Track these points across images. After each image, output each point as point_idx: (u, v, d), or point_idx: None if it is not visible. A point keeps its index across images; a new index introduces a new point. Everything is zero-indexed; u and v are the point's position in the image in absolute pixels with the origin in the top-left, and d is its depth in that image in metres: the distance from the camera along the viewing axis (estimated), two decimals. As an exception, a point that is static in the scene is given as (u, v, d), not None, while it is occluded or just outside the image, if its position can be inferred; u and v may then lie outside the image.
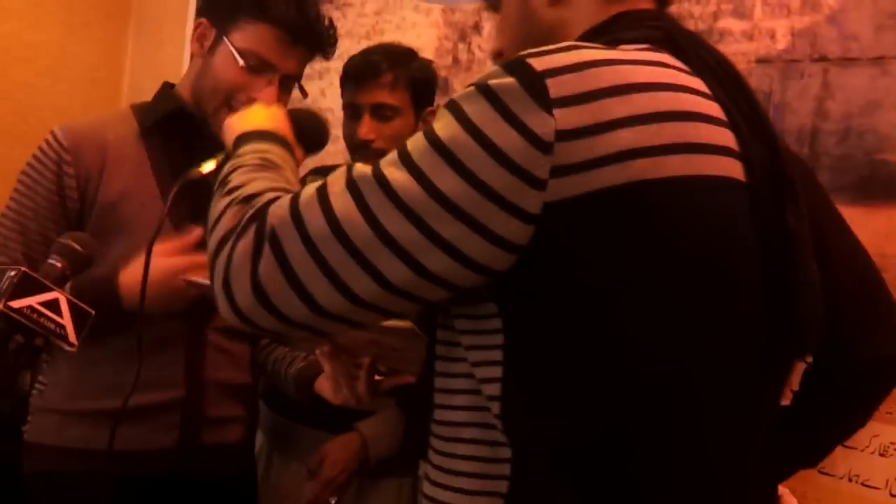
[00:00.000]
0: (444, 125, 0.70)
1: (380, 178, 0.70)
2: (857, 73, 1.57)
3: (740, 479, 0.79)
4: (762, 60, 1.69)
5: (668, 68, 0.75)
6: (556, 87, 0.68)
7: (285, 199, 0.74)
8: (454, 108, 0.70)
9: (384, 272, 0.69)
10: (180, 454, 1.33)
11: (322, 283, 0.70)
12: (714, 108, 0.75)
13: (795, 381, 0.97)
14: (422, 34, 2.25)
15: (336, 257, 0.70)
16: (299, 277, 0.71)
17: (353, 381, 1.11)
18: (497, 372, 0.74)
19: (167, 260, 1.19)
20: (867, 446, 1.51)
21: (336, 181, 0.73)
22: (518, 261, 0.69)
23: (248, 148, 0.90)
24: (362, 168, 0.73)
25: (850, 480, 1.52)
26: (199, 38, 1.35)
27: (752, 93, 0.80)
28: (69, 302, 1.04)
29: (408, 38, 2.20)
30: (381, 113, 1.66)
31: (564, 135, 0.67)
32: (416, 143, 0.71)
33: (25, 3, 2.73)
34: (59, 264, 1.09)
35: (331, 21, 1.38)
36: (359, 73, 1.68)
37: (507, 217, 0.67)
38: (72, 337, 1.04)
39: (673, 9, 0.92)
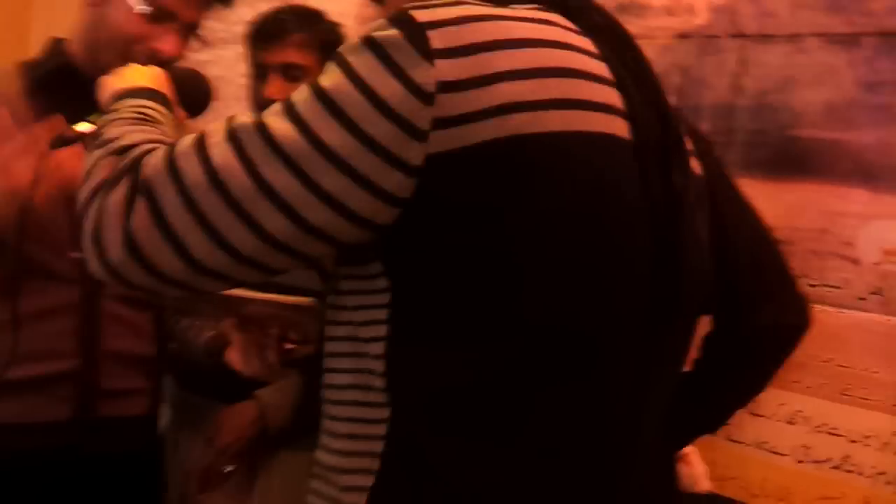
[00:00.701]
0: (328, 76, 0.69)
1: (261, 129, 0.68)
2: (774, 49, 1.60)
3: (632, 435, 0.78)
4: (682, 35, 1.70)
5: (554, 26, 0.75)
6: (437, 39, 0.67)
7: (161, 150, 0.71)
8: (339, 59, 0.69)
9: (264, 224, 0.67)
10: (74, 427, 1.28)
11: (199, 236, 0.67)
12: (601, 68, 0.75)
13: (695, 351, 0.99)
14: (343, 0, 2.20)
15: (214, 209, 0.67)
16: (174, 230, 0.68)
17: (264, 350, 1.10)
18: (382, 331, 0.73)
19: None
20: (774, 413, 1.55)
21: (216, 132, 0.70)
22: (401, 215, 0.68)
23: (124, 103, 0.86)
24: (243, 118, 0.70)
25: (759, 447, 1.56)
26: None
27: (643, 54, 0.80)
28: None
29: (329, 4, 2.14)
30: (290, 73, 1.63)
31: (445, 86, 0.66)
32: (300, 94, 0.69)
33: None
34: None
35: None
36: (267, 33, 1.66)
37: (389, 169, 0.66)
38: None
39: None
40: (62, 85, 1.28)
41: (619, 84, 0.75)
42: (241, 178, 0.67)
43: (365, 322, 0.74)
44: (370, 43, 0.68)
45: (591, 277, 0.72)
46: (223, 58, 2.24)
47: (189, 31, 1.30)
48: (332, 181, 0.66)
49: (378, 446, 0.73)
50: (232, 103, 2.38)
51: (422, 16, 0.69)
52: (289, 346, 1.14)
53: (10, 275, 1.11)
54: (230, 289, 0.75)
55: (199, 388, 1.63)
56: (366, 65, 0.67)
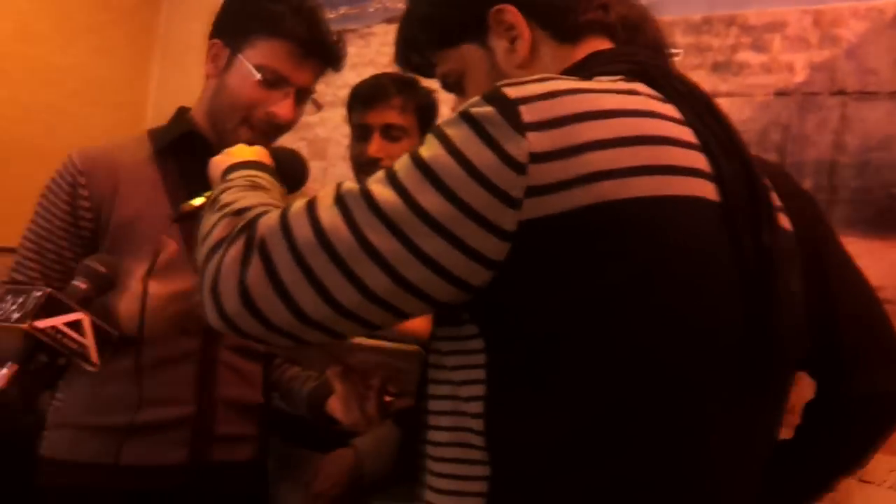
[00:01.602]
0: (428, 147, 0.74)
1: (366, 194, 0.74)
2: (876, 106, 1.58)
3: (726, 490, 0.79)
4: (780, 93, 1.69)
5: (638, 96, 0.78)
6: (528, 113, 0.71)
7: (275, 212, 0.77)
8: (438, 132, 0.75)
9: (366, 281, 0.72)
10: (190, 470, 1.34)
11: (307, 291, 0.73)
12: (686, 133, 0.78)
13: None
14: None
15: (321, 266, 0.72)
16: (285, 285, 0.73)
17: (364, 401, 1.12)
18: (479, 390, 0.76)
19: (162, 287, 1.20)
20: (884, 480, 1.49)
21: (325, 196, 0.76)
22: (496, 278, 0.72)
23: (236, 174, 0.94)
24: (350, 185, 0.76)
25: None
26: (213, 58, 1.38)
27: (725, 117, 0.83)
28: (93, 323, 1.05)
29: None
30: (390, 133, 1.74)
31: (537, 157, 0.70)
32: (401, 163, 0.75)
33: (54, 26, 2.78)
34: (83, 285, 1.10)
35: (339, 35, 1.42)
36: (370, 95, 1.76)
37: (483, 233, 0.71)
38: (94, 357, 1.06)
39: (690, 41, 0.94)
40: (187, 150, 1.38)
41: (704, 148, 0.78)
42: (346, 238, 0.72)
43: (463, 381, 0.78)
44: (467, 118, 0.73)
45: (685, 336, 0.74)
46: (328, 120, 2.34)
47: (303, 95, 1.38)
48: (430, 244, 0.71)
49: (478, 503, 0.76)
50: (336, 161, 2.48)
51: (513, 92, 0.73)
52: (388, 398, 1.17)
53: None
54: (332, 340, 0.79)
55: (299, 438, 1.68)
56: (463, 137, 0.72)
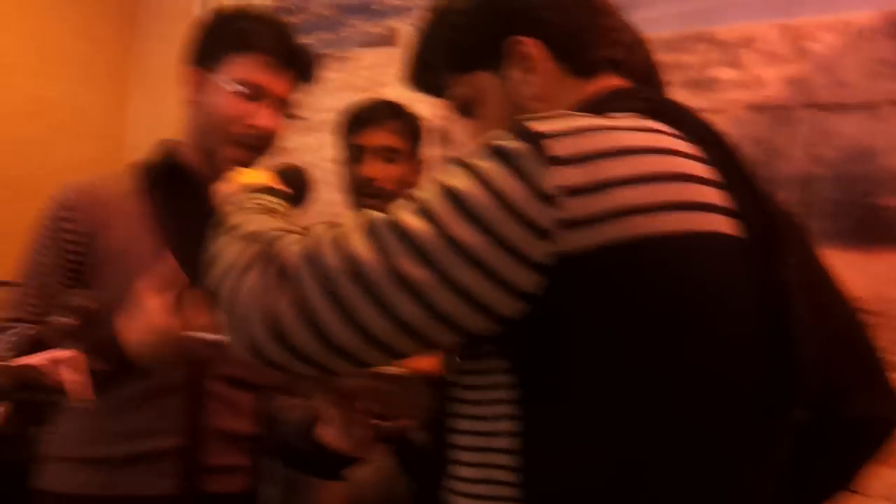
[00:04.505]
0: (455, 177, 0.74)
1: (395, 223, 0.74)
2: (849, 118, 1.60)
3: None
4: (753, 107, 1.72)
5: (657, 133, 0.79)
6: (556, 148, 0.72)
7: (296, 238, 0.77)
8: (465, 164, 0.75)
9: (398, 311, 0.72)
10: (181, 501, 1.33)
11: (337, 320, 0.73)
12: (703, 169, 0.79)
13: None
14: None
15: (352, 295, 0.72)
16: (315, 313, 0.73)
17: (353, 426, 1.12)
18: (508, 426, 0.76)
19: (165, 316, 1.19)
20: (876, 491, 1.50)
21: (350, 225, 0.76)
22: (532, 312, 0.72)
23: (243, 197, 0.94)
24: (376, 214, 0.76)
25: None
26: (189, 84, 1.40)
27: (738, 154, 0.84)
28: (84, 359, 1.05)
29: (407, 90, 2.23)
30: (386, 155, 1.76)
31: (567, 190, 0.71)
32: (429, 193, 0.75)
33: (34, 58, 2.76)
34: (69, 321, 1.10)
35: (310, 49, 1.46)
36: (366, 117, 1.79)
37: (515, 264, 0.71)
38: (86, 393, 1.05)
39: (663, 58, 0.96)
40: (174, 184, 1.39)
41: (723, 184, 0.79)
42: (378, 268, 0.72)
43: (490, 416, 0.77)
44: (496, 150, 0.74)
45: (715, 376, 0.75)
46: (310, 145, 2.35)
47: (282, 106, 1.40)
48: (462, 274, 0.71)
49: None
50: (319, 186, 2.48)
51: (540, 127, 0.74)
52: (377, 421, 1.17)
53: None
54: (359, 369, 0.79)
55: (295, 464, 1.67)
56: (493, 170, 0.73)
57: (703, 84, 1.78)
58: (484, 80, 0.93)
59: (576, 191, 0.71)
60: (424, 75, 1.00)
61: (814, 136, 1.64)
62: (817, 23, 1.66)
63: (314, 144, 2.29)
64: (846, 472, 1.00)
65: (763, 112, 1.70)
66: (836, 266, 1.00)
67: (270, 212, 0.90)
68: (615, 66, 0.92)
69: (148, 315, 1.16)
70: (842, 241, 1.55)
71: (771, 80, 1.71)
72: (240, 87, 1.35)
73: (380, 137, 1.76)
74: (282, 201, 0.96)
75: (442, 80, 0.96)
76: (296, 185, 1.17)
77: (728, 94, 1.75)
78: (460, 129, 0.91)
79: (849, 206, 1.58)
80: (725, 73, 1.77)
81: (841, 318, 0.95)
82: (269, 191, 0.97)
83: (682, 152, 0.79)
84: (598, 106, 0.84)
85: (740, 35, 1.77)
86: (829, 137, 1.62)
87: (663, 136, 0.79)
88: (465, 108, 0.96)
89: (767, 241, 0.79)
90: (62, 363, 1.01)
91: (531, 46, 0.89)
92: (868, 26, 1.60)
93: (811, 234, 0.97)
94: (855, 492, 1.31)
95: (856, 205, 1.57)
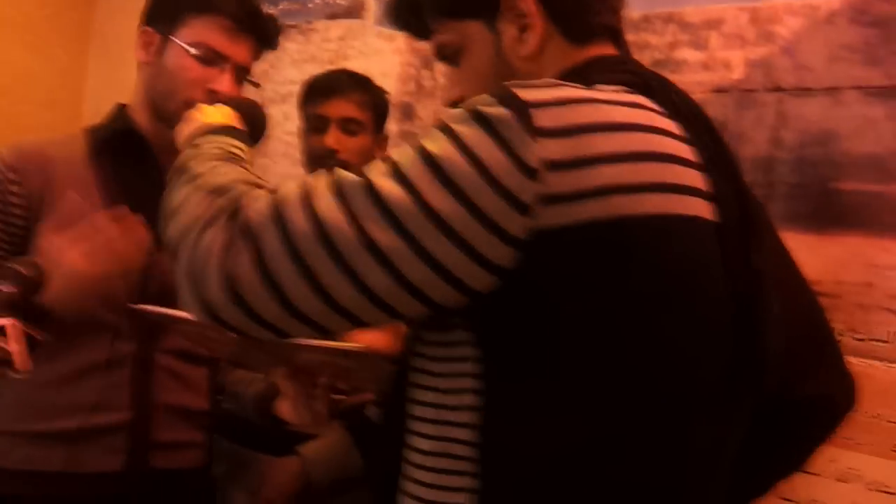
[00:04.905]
0: (435, 143, 0.71)
1: (368, 186, 0.71)
2: (811, 102, 1.61)
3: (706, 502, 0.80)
4: (718, 90, 1.72)
5: (644, 110, 0.77)
6: (542, 118, 0.70)
7: (262, 195, 0.74)
8: (446, 129, 0.72)
9: (365, 278, 0.69)
10: (129, 478, 1.31)
11: (299, 283, 0.70)
12: (686, 150, 0.77)
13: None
14: (386, 60, 2.26)
15: (317, 258, 0.69)
16: (276, 275, 0.70)
17: (312, 401, 1.11)
18: (469, 399, 0.74)
19: (91, 266, 1.17)
20: (825, 471, 1.51)
21: (319, 184, 0.73)
22: (499, 285, 0.71)
23: (206, 139, 0.90)
24: (347, 174, 0.73)
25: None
26: (145, 46, 1.36)
27: (719, 133, 0.83)
28: (21, 329, 1.02)
29: (372, 64, 2.21)
30: (348, 126, 1.72)
31: (550, 164, 0.69)
32: (406, 157, 0.72)
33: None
34: (9, 290, 1.07)
35: (271, 15, 1.43)
36: (328, 87, 1.75)
37: (490, 237, 0.69)
38: (23, 364, 1.02)
39: (630, 38, 0.94)
40: (125, 149, 1.35)
41: (702, 166, 0.78)
42: (347, 232, 0.69)
43: (450, 389, 0.76)
44: (479, 117, 0.71)
45: (680, 358, 0.75)
46: (274, 117, 2.31)
47: (241, 73, 1.36)
48: (436, 244, 0.68)
49: None
50: (278, 159, 2.45)
51: (526, 95, 0.71)
52: (337, 396, 1.16)
53: (67, 331, 1.15)
54: (318, 337, 0.77)
55: (246, 440, 1.65)
56: (475, 137, 0.70)
57: (669, 65, 1.77)
58: (474, 30, 0.89)
59: (559, 165, 0.69)
60: (410, 13, 0.95)
61: (777, 119, 1.64)
62: (783, 6, 1.67)
63: (278, 117, 2.25)
64: (799, 452, 1.01)
65: (727, 95, 1.71)
66: (794, 248, 1.01)
67: (232, 158, 0.87)
68: (612, 35, 0.90)
69: (66, 262, 1.13)
70: (799, 224, 1.56)
71: (736, 62, 1.71)
72: (198, 51, 1.31)
73: (343, 108, 1.72)
74: (242, 144, 0.92)
75: (428, 21, 0.92)
76: (252, 122, 1.15)
77: (693, 76, 1.75)
78: (425, 105, 0.88)
79: (808, 189, 1.59)
80: (691, 55, 1.77)
81: (801, 303, 0.96)
82: (229, 131, 0.94)
83: (666, 131, 0.77)
84: (585, 74, 0.82)
85: (707, 17, 1.76)
86: (792, 121, 1.63)
87: (649, 113, 0.77)
88: (449, 56, 0.92)
89: (743, 228, 0.78)
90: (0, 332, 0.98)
91: (529, 4, 0.86)
92: (833, 11, 1.60)
93: (772, 218, 0.98)
94: (808, 472, 1.34)
95: (815, 188, 1.58)
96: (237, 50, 1.34)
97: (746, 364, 0.79)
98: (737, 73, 1.70)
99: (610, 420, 0.73)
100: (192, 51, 1.31)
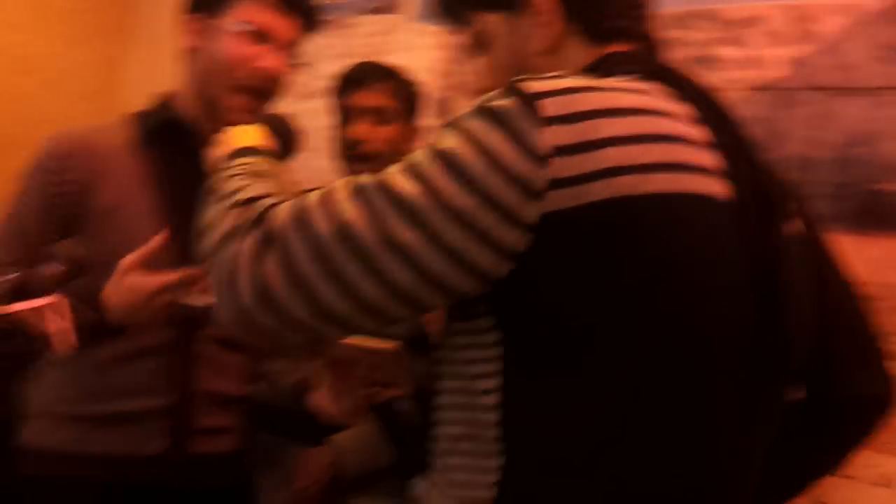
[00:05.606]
0: (448, 140, 0.74)
1: (385, 186, 0.74)
2: (855, 102, 1.59)
3: (735, 486, 0.80)
4: (758, 88, 1.71)
5: (650, 95, 0.79)
6: (548, 107, 0.72)
7: (287, 203, 0.77)
8: (457, 125, 0.75)
9: (388, 275, 0.72)
10: (169, 462, 1.33)
11: (327, 284, 0.72)
12: (699, 132, 0.78)
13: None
14: (423, 55, 2.27)
15: (341, 259, 0.72)
16: (304, 277, 0.72)
17: (349, 392, 1.13)
18: (494, 383, 0.76)
19: (148, 279, 1.18)
20: (864, 476, 1.49)
21: (340, 188, 0.76)
22: (515, 270, 0.73)
23: (235, 161, 0.93)
24: (366, 178, 0.76)
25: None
26: (192, 32, 1.37)
27: (736, 118, 0.84)
28: (69, 306, 1.04)
29: (409, 60, 2.21)
30: (377, 116, 1.75)
31: (558, 150, 0.71)
32: (420, 155, 0.75)
33: (30, 16, 2.73)
34: (58, 270, 1.09)
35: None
36: (357, 78, 1.78)
37: (505, 225, 0.71)
38: (72, 339, 1.04)
39: (669, 34, 0.94)
40: (170, 139, 1.37)
41: (716, 146, 0.79)
42: (367, 230, 0.72)
43: (477, 375, 0.78)
44: (487, 111, 0.74)
45: (698, 335, 0.75)
46: (307, 110, 2.33)
47: (288, 49, 1.38)
48: (453, 235, 0.71)
49: (490, 493, 0.76)
50: (315, 153, 2.47)
51: (533, 87, 0.74)
52: (374, 388, 1.18)
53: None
54: (347, 336, 0.78)
55: (281, 429, 1.67)
56: (484, 130, 0.73)
57: (707, 62, 1.77)
58: (496, 23, 0.91)
59: (566, 149, 0.71)
60: (454, 4, 0.98)
61: (815, 118, 1.63)
62: (823, 5, 1.65)
63: (313, 111, 2.27)
64: (836, 453, 1.00)
65: (765, 93, 1.69)
66: (837, 250, 1.00)
67: (259, 175, 0.89)
68: (633, 34, 0.91)
69: (129, 285, 1.15)
70: (841, 225, 1.54)
71: (774, 60, 1.70)
72: (246, 27, 1.32)
73: (368, 98, 1.75)
74: (269, 159, 0.95)
75: (465, 13, 0.95)
76: (282, 136, 1.16)
77: (731, 74, 1.73)
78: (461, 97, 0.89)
79: (849, 189, 1.57)
80: (729, 53, 1.76)
81: (841, 298, 0.95)
82: (256, 151, 0.96)
83: (674, 114, 0.78)
84: (597, 68, 0.84)
85: (748, 15, 1.75)
86: (831, 120, 1.61)
87: (655, 98, 0.79)
88: (476, 46, 0.95)
89: (759, 206, 0.79)
90: (46, 309, 1.00)
91: (548, 1, 0.88)
92: (874, 10, 1.58)
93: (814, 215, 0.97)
94: (845, 476, 1.32)
95: (856, 189, 1.56)
96: (284, 27, 1.36)
97: (771, 341, 0.79)
98: (778, 72, 1.69)
99: (632, 398, 0.73)
100: (241, 27, 1.32)
